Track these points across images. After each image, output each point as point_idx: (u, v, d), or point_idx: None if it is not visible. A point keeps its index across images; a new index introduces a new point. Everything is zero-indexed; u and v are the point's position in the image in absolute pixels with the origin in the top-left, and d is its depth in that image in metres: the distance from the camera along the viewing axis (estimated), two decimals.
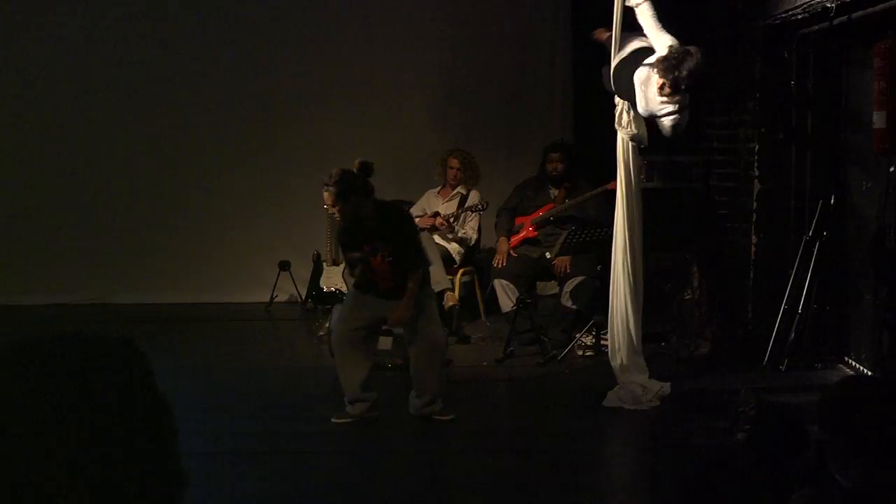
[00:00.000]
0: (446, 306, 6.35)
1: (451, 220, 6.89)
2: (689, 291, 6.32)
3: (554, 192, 6.70)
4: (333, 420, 4.75)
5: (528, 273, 6.56)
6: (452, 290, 6.66)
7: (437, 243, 6.72)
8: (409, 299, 4.56)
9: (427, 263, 4.94)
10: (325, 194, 4.60)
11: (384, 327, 5.28)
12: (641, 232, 5.03)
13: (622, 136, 4.96)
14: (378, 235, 4.61)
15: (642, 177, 6.08)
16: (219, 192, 7.93)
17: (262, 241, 7.92)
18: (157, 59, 7.77)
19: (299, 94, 7.90)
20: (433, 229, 6.77)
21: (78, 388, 1.03)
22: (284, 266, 7.73)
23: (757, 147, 6.23)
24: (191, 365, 5.77)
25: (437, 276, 5.86)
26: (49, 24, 7.70)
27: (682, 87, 4.45)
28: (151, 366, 1.09)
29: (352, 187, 4.57)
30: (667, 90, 4.45)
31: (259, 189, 7.95)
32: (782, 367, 5.64)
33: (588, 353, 6.06)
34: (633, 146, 4.96)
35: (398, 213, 4.90)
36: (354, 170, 4.67)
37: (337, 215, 4.66)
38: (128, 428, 1.04)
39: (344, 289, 7.39)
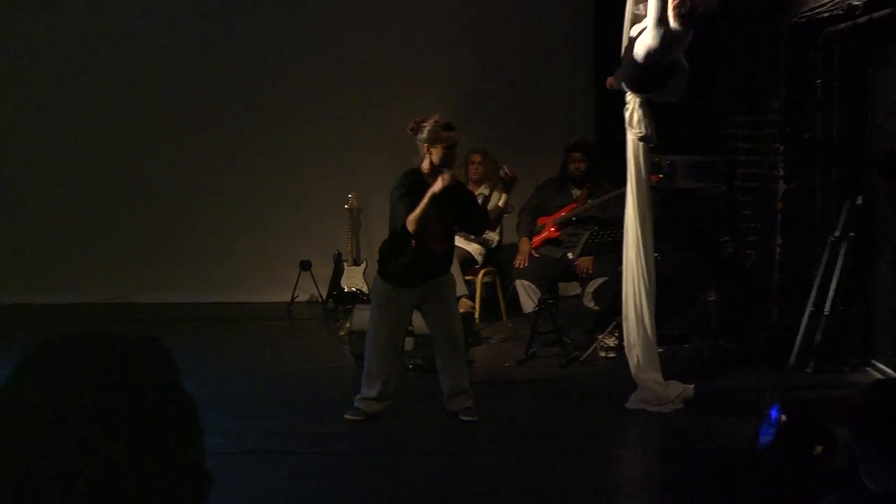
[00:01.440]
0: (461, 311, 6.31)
1: None
2: (712, 293, 6.28)
3: (576, 191, 6.66)
4: (346, 417, 4.75)
5: (549, 273, 6.53)
6: (468, 296, 6.64)
7: (456, 246, 6.69)
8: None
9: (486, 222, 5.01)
10: (451, 134, 4.57)
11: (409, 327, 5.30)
12: (652, 230, 5.04)
13: (632, 137, 4.97)
14: (442, 196, 4.56)
15: (661, 175, 6.09)
16: (240, 192, 7.93)
17: (283, 241, 7.91)
18: (178, 57, 7.78)
19: (321, 93, 7.89)
20: None
21: (105, 386, 1.03)
22: (305, 266, 7.71)
23: (781, 147, 6.18)
24: (210, 364, 5.76)
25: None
26: (63, 25, 7.72)
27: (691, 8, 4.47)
28: (177, 365, 1.09)
29: None
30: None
31: (280, 188, 7.95)
32: (808, 370, 5.59)
33: (610, 355, 6.00)
34: (642, 146, 4.98)
35: (461, 182, 4.90)
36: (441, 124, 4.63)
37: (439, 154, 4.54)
38: (155, 427, 1.04)
39: (365, 289, 7.42)
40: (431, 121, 4.56)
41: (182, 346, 5.40)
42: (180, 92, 7.81)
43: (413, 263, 4.57)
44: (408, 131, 4.61)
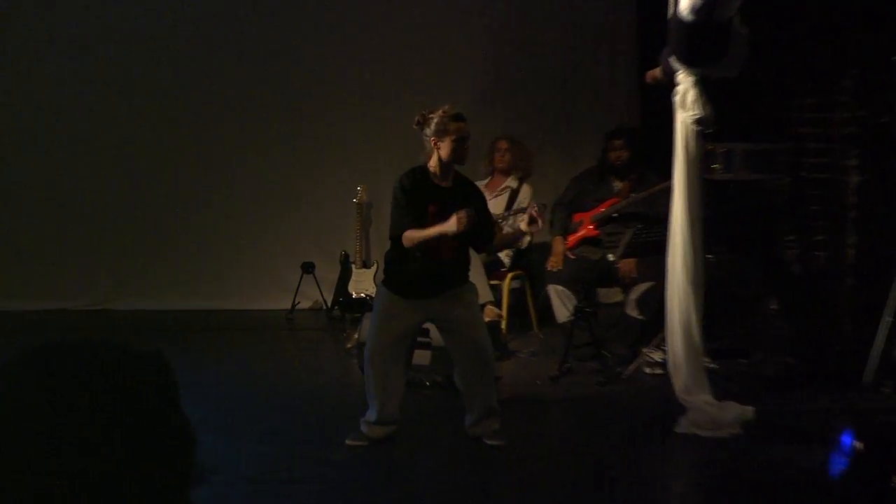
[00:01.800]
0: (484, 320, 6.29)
1: (500, 220, 6.81)
2: (774, 300, 6.23)
3: (617, 184, 6.63)
4: (348, 442, 4.74)
5: (587, 278, 6.50)
6: (494, 303, 6.64)
7: None
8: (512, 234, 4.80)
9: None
10: (461, 125, 4.53)
11: (420, 339, 5.34)
12: (702, 229, 4.99)
13: (684, 120, 4.91)
14: (449, 199, 4.54)
15: (715, 166, 6.05)
16: (234, 188, 8.04)
17: (283, 241, 7.96)
18: (173, 52, 7.92)
19: (328, 78, 7.97)
20: None
21: (100, 401, 1.07)
22: (308, 268, 7.72)
23: (855, 132, 6.10)
24: (201, 380, 5.76)
25: (479, 288, 5.83)
26: (52, 21, 7.84)
27: None
28: (178, 385, 1.14)
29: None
30: None
31: (279, 183, 8.01)
32: (886, 390, 5.52)
33: (657, 371, 5.97)
34: (695, 131, 4.91)
35: (474, 184, 4.85)
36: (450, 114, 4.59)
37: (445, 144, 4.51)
38: (146, 452, 1.08)
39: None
40: (439, 112, 4.56)
41: (168, 360, 5.53)
42: (173, 87, 7.91)
43: (417, 274, 4.56)
44: (413, 126, 4.63)
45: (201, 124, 7.96)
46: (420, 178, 4.58)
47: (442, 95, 7.58)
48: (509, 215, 6.86)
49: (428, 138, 4.56)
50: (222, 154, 7.98)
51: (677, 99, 4.92)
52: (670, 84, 4.98)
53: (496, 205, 6.92)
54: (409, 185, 4.56)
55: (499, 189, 7.09)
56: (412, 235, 4.48)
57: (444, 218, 4.46)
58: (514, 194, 7.04)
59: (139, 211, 7.99)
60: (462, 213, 4.38)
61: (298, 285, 7.71)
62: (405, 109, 7.60)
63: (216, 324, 7.48)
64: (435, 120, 4.53)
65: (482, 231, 4.66)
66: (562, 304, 6.38)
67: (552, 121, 7.94)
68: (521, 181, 7.10)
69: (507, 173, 7.14)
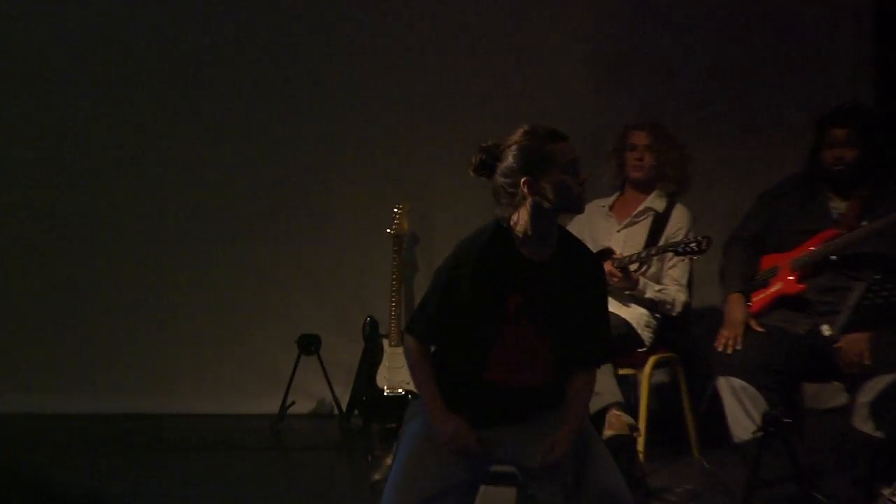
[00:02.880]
0: (606, 434, 6.21)
1: (635, 264, 6.64)
2: None
3: (838, 203, 6.37)
4: None
5: (786, 365, 6.17)
6: (624, 406, 6.42)
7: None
8: (575, 419, 4.43)
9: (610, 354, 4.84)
10: (566, 145, 4.36)
11: (495, 468, 4.94)
12: None
13: None
14: (541, 285, 4.33)
15: None
16: (198, 217, 8.34)
17: (268, 301, 8.24)
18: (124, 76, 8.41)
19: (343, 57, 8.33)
20: None
21: None
22: (308, 346, 7.75)
23: None
24: None
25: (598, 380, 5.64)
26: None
27: None
28: None
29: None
30: None
31: (266, 203, 8.32)
32: None
33: None
34: None
35: (592, 255, 4.63)
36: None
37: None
38: None
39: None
40: (519, 133, 4.36)
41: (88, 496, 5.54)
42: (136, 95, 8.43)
43: (476, 400, 4.50)
44: (471, 172, 4.44)
45: (178, 140, 8.38)
46: (497, 249, 4.40)
47: (551, 79, 7.64)
48: (650, 255, 6.59)
49: (508, 181, 4.32)
50: (171, 154, 8.36)
51: None
52: None
53: (629, 239, 6.79)
54: (473, 261, 4.39)
55: (634, 214, 6.84)
56: (413, 365, 4.55)
57: (532, 316, 4.36)
58: (659, 221, 6.77)
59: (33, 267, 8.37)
60: (464, 437, 4.35)
61: (293, 374, 7.72)
62: (471, 87, 7.71)
63: (162, 439, 7.59)
64: (517, 148, 4.32)
65: (582, 349, 4.52)
66: (741, 409, 6.14)
67: (723, 109, 8.03)
68: (671, 200, 6.83)
69: (647, 187, 6.87)
